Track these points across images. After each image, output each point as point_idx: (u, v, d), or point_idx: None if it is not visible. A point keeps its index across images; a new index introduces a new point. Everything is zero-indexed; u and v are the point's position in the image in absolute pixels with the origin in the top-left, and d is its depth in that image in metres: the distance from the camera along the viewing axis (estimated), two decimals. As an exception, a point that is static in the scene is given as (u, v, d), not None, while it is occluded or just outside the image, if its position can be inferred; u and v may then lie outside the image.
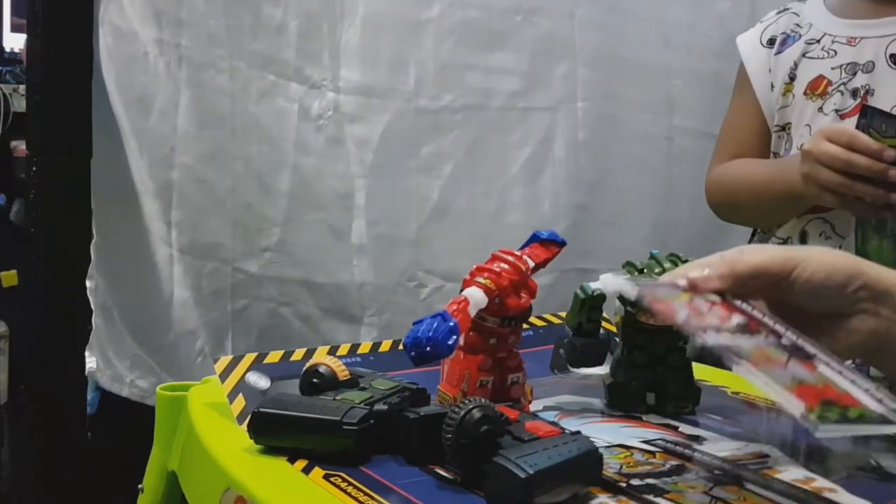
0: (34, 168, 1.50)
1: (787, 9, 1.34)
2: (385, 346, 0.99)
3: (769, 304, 0.66)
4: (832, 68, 1.22)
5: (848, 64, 1.21)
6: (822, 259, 0.64)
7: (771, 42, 1.32)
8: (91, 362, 1.52)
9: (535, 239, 0.89)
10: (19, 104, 2.74)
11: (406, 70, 1.64)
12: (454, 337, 0.75)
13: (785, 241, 1.28)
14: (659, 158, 1.90)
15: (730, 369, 0.62)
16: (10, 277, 2.67)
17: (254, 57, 1.54)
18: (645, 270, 0.90)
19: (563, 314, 0.97)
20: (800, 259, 0.63)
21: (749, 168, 1.30)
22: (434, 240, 1.69)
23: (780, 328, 0.65)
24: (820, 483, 0.70)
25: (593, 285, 0.89)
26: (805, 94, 1.24)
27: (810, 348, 0.63)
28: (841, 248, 1.20)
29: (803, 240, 1.25)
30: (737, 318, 0.66)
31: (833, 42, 1.24)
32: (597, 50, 1.80)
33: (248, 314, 1.59)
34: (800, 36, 1.28)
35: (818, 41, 1.26)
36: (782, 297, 0.64)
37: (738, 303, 0.67)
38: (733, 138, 1.35)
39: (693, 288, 0.63)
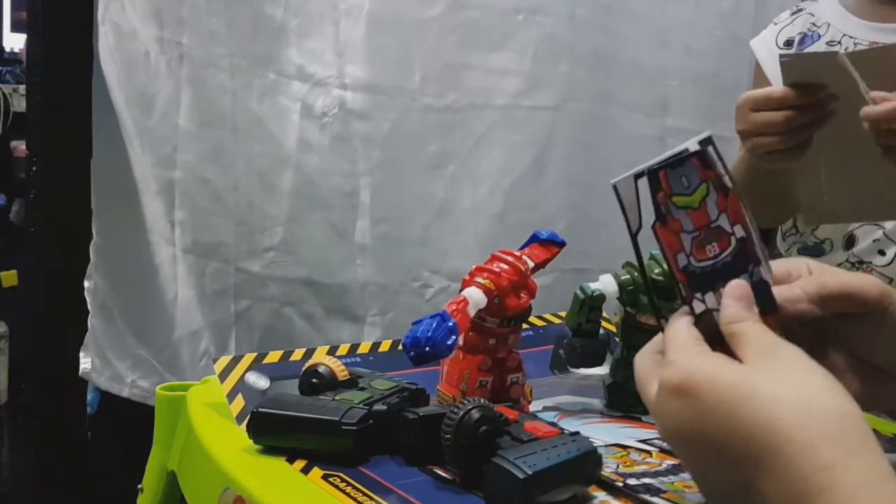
0: (34, 168, 1.50)
1: (801, 9, 1.32)
2: (384, 346, 0.99)
3: (829, 343, 0.60)
4: None
5: None
6: None
7: (788, 43, 1.30)
8: (86, 363, 1.52)
9: (534, 239, 0.89)
10: (19, 104, 2.74)
11: (411, 68, 1.64)
12: (453, 337, 0.75)
13: (822, 242, 1.27)
14: (650, 159, 1.89)
15: None
16: (10, 277, 2.67)
17: (254, 56, 1.53)
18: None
19: (563, 314, 0.97)
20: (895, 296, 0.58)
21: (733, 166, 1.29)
22: (439, 239, 1.68)
23: None
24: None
25: (593, 286, 0.90)
26: None
27: None
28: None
29: (850, 243, 1.24)
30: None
31: (855, 44, 1.21)
32: (594, 50, 1.80)
33: (252, 314, 1.59)
34: (819, 36, 1.26)
35: (839, 42, 1.24)
36: (854, 336, 0.59)
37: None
38: None
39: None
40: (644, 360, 0.55)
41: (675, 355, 0.51)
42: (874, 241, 1.21)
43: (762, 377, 0.47)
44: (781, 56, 1.03)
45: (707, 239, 0.53)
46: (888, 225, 1.20)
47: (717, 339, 0.52)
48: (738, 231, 0.54)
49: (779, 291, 0.56)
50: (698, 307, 0.53)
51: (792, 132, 1.03)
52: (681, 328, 0.53)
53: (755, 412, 0.45)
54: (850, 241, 1.24)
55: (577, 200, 1.81)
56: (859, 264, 1.22)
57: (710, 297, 0.53)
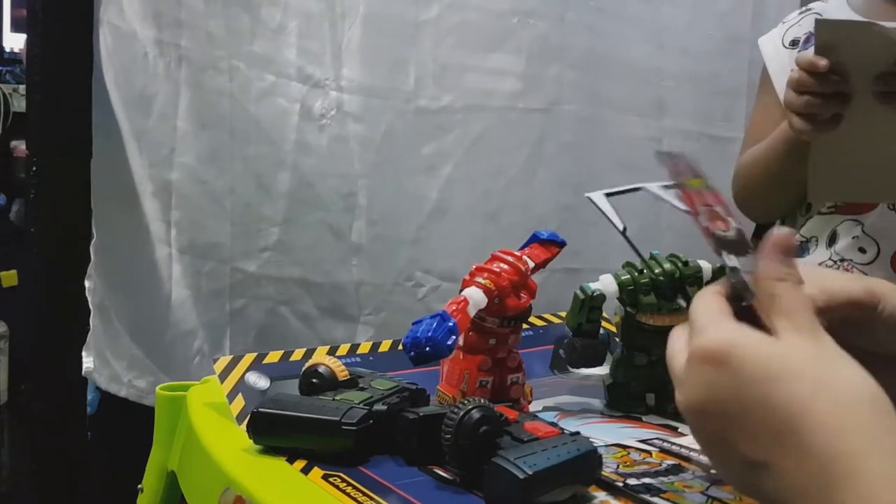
0: (34, 168, 1.49)
1: (810, 9, 1.33)
2: (384, 346, 0.99)
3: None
4: None
5: None
6: None
7: (794, 43, 1.31)
8: (88, 362, 1.52)
9: (535, 239, 0.89)
10: (19, 104, 2.74)
11: (406, 70, 1.64)
12: (453, 337, 0.75)
13: (807, 241, 1.27)
14: (646, 160, 1.89)
15: None
16: (10, 277, 2.67)
17: (253, 57, 1.53)
18: (644, 271, 0.90)
19: (563, 314, 0.97)
20: (880, 292, 0.57)
21: (753, 148, 1.30)
22: (432, 240, 1.69)
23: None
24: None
25: (593, 286, 0.90)
26: None
27: None
28: (878, 256, 1.20)
29: (832, 241, 1.24)
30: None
31: None
32: (585, 52, 1.80)
33: (247, 313, 1.59)
34: None
35: None
36: (853, 333, 0.57)
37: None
38: (756, 137, 1.34)
39: None
40: (678, 334, 0.53)
41: (706, 322, 0.49)
42: (854, 238, 1.22)
43: (800, 357, 0.46)
44: (817, 19, 1.08)
45: (715, 216, 0.55)
46: (866, 221, 1.21)
47: (742, 296, 0.51)
48: (733, 222, 0.55)
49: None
50: (729, 261, 0.52)
51: (820, 97, 1.06)
52: (711, 300, 0.51)
53: (791, 393, 0.44)
54: (832, 238, 1.24)
55: (568, 201, 1.81)
56: (840, 262, 1.23)
57: (732, 259, 0.52)
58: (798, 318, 0.48)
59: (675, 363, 0.51)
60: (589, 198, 0.57)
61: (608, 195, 0.59)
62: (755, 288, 0.50)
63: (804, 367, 0.45)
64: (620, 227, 0.58)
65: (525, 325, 0.88)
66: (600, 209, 0.58)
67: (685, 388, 0.49)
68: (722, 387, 0.46)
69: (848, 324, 0.56)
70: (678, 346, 0.51)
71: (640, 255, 0.60)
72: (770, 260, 0.49)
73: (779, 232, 0.50)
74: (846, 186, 1.18)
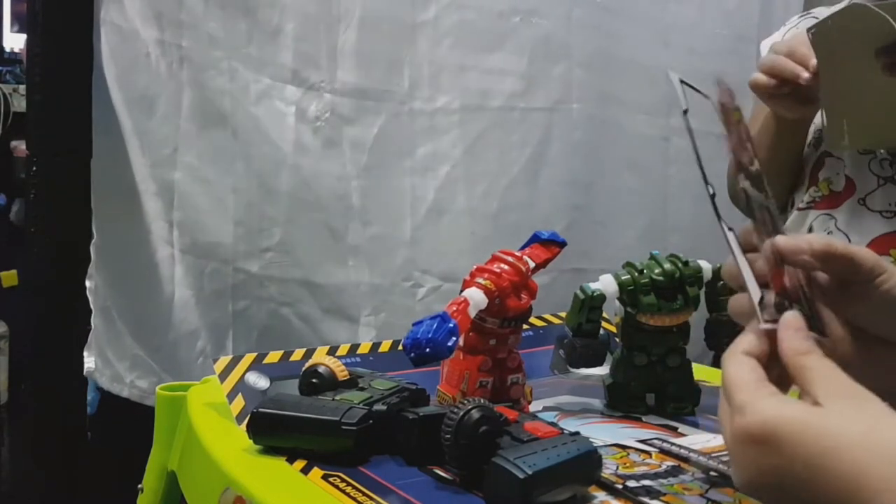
0: (34, 168, 1.50)
1: (810, 13, 1.34)
2: (384, 346, 0.99)
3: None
4: None
5: None
6: None
7: None
8: (90, 362, 1.52)
9: (535, 239, 0.89)
10: (19, 104, 2.74)
11: (401, 72, 1.64)
12: (454, 338, 0.75)
13: None
14: (655, 159, 1.90)
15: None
16: (10, 277, 2.67)
17: (250, 60, 1.54)
18: (644, 271, 0.90)
19: (563, 314, 0.97)
20: (887, 269, 0.59)
21: None
22: (430, 240, 1.69)
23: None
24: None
25: (593, 286, 0.90)
26: None
27: None
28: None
29: None
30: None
31: None
32: (592, 51, 1.80)
33: (249, 314, 1.59)
34: None
35: None
36: (846, 303, 0.59)
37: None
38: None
39: (781, 257, 0.57)
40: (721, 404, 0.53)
41: (743, 400, 0.49)
42: (828, 233, 1.22)
43: (845, 425, 0.46)
44: (808, 29, 1.12)
45: (744, 148, 0.64)
46: (839, 217, 1.22)
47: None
48: (757, 163, 0.62)
49: (786, 240, 0.57)
50: (743, 182, 0.60)
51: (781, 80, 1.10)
52: (742, 368, 0.51)
53: (842, 465, 0.45)
54: (809, 233, 1.25)
55: (578, 200, 1.82)
56: None
57: (747, 183, 0.59)
58: (834, 383, 0.49)
59: (724, 434, 0.51)
60: (668, 73, 0.66)
61: (682, 81, 0.67)
62: (784, 361, 0.51)
63: (852, 435, 0.45)
64: (684, 107, 0.66)
65: (525, 326, 0.88)
66: (674, 85, 0.66)
67: (735, 467, 0.49)
68: (775, 467, 0.47)
69: (844, 286, 0.58)
70: (722, 417, 0.51)
71: (695, 147, 0.64)
72: (791, 339, 0.51)
73: (789, 316, 0.53)
74: (860, 136, 1.19)
